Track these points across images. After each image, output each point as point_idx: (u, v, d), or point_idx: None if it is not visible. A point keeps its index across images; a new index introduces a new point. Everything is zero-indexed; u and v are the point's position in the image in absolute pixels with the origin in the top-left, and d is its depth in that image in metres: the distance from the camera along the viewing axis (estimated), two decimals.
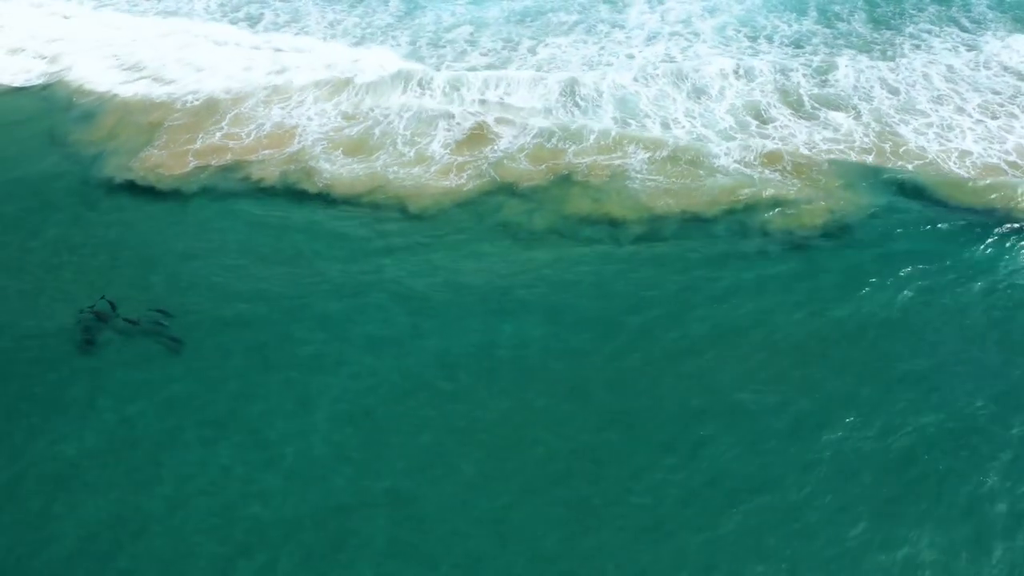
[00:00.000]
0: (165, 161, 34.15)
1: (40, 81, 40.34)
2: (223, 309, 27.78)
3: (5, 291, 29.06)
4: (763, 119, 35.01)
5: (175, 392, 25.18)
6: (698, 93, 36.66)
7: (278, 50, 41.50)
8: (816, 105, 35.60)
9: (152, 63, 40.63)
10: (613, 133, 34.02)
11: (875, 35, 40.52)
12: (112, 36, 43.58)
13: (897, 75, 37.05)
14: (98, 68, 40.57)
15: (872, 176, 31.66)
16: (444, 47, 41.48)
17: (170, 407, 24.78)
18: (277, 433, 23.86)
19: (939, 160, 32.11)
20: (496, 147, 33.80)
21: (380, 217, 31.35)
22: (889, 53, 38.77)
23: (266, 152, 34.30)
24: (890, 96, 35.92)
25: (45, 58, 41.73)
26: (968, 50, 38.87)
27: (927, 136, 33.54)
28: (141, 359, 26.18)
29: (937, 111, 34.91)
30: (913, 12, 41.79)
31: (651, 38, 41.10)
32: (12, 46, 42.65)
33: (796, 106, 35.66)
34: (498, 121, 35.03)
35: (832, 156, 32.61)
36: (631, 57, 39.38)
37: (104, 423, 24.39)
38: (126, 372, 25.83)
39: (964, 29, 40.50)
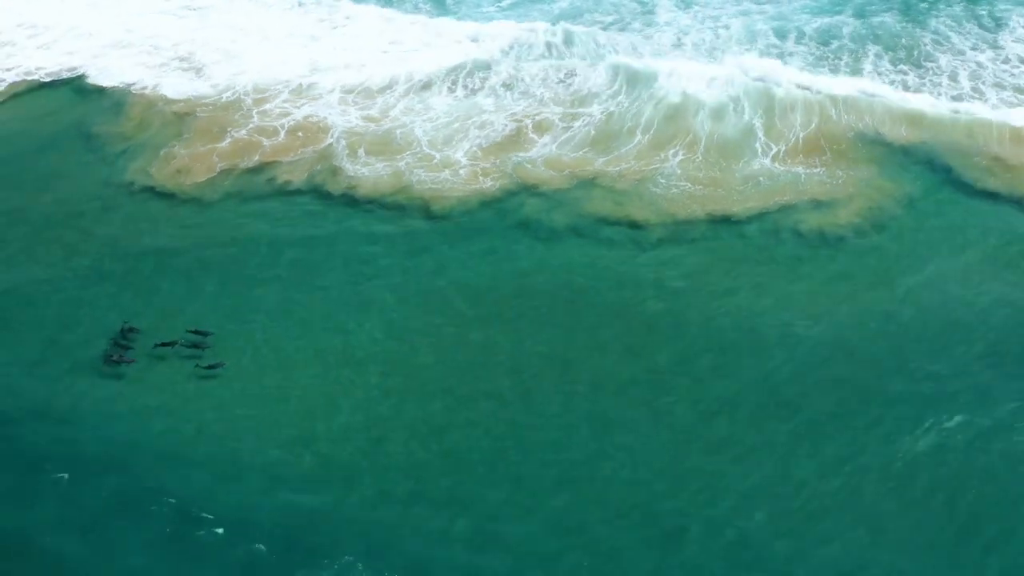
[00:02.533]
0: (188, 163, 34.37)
1: (67, 75, 40.11)
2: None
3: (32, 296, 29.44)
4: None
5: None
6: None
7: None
8: None
9: (182, 54, 40.85)
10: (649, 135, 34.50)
11: (902, 33, 39.75)
12: (139, 28, 43.54)
13: (923, 79, 36.82)
14: (125, 62, 40.58)
15: None
16: None
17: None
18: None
19: None
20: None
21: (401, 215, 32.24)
22: (916, 55, 38.35)
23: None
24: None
25: (73, 53, 41.61)
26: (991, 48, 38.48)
27: None
28: None
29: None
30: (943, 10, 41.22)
31: (681, 37, 40.68)
32: (41, 42, 42.44)
33: None
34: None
35: None
36: (661, 57, 38.99)
37: None
38: None
39: (987, 29, 39.98)
